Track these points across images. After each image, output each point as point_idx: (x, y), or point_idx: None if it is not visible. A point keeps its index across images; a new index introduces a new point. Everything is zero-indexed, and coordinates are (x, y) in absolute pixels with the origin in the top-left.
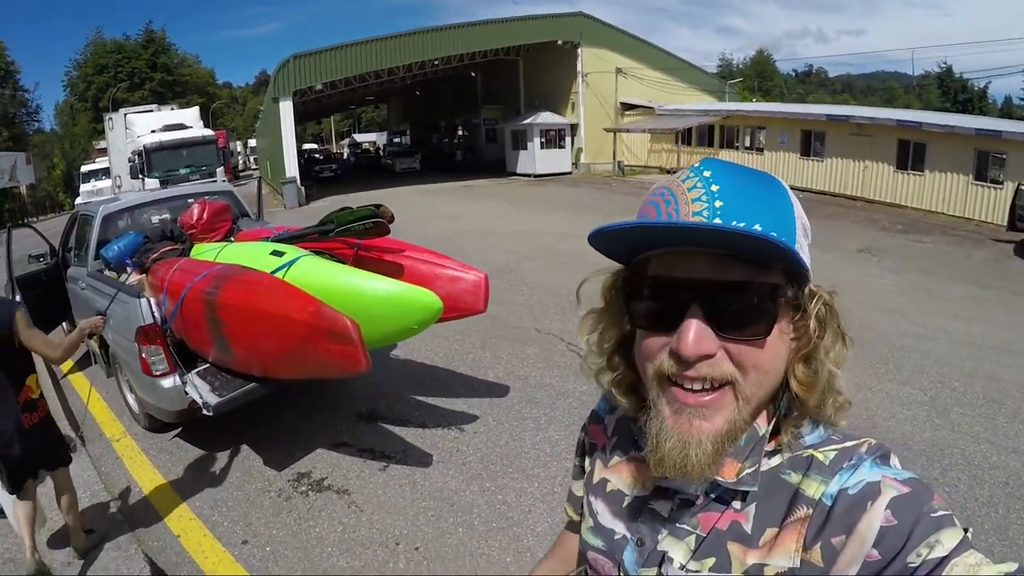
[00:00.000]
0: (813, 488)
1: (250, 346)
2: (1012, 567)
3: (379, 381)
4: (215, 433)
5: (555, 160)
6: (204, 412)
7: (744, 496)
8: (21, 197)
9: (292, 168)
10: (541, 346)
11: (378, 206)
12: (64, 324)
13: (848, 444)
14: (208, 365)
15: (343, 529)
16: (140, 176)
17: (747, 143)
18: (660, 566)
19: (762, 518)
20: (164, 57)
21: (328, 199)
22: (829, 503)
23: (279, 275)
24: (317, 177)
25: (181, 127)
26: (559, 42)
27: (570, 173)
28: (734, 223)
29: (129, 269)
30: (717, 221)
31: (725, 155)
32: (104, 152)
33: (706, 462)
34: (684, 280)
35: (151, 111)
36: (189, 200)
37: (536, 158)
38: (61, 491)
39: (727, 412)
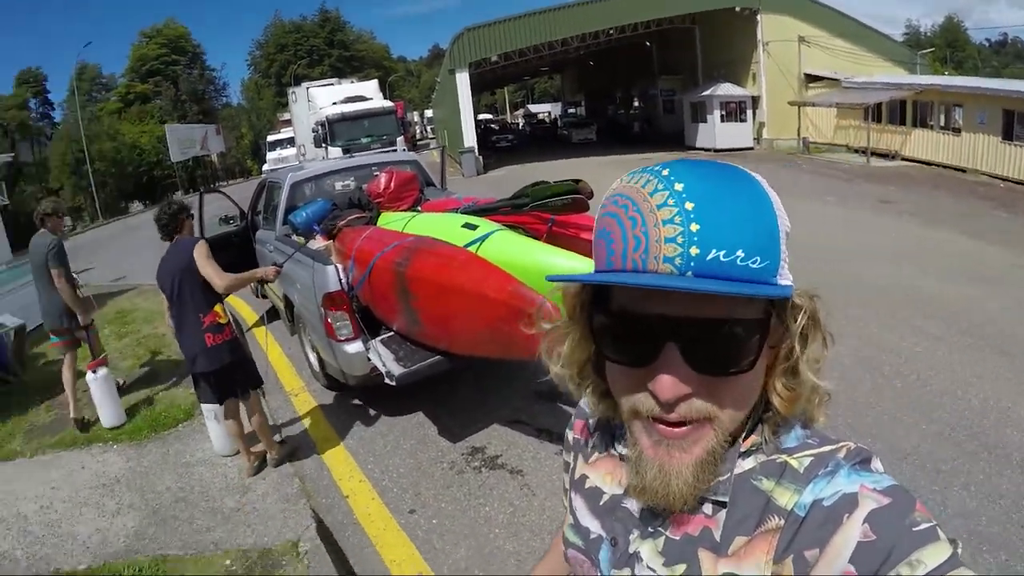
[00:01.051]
0: (786, 498)
1: (440, 321)
2: None
3: None
4: (392, 398)
5: (736, 134)
6: (387, 381)
7: (716, 501)
8: (212, 164)
9: (470, 138)
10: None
11: (577, 181)
12: (251, 284)
13: (825, 449)
14: (392, 334)
15: (513, 512)
16: (323, 145)
17: (942, 122)
18: (632, 567)
19: (732, 526)
20: (340, 35)
21: (505, 168)
22: (802, 514)
23: (472, 249)
24: (494, 147)
25: (361, 99)
26: (736, 8)
27: (751, 148)
28: (713, 252)
29: (316, 234)
30: (694, 252)
31: (919, 135)
32: (288, 123)
33: (688, 492)
34: (659, 316)
35: (332, 84)
36: (374, 169)
37: (716, 131)
38: (252, 411)
39: (705, 442)
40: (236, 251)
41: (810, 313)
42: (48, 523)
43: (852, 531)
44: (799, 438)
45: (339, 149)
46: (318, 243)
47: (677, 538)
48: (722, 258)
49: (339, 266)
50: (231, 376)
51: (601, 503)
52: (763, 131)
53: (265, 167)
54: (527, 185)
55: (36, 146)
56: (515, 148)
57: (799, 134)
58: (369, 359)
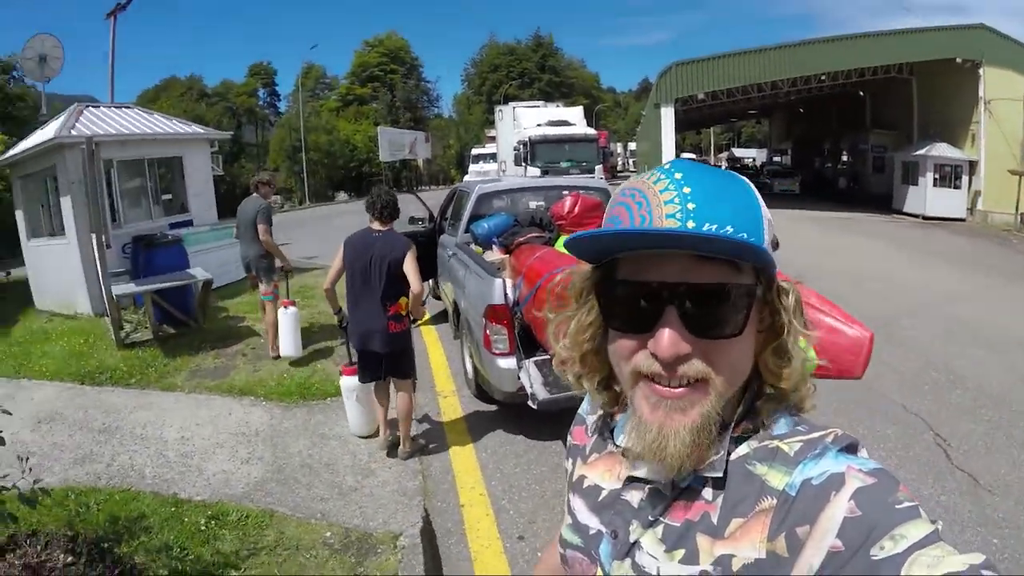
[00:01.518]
0: (777, 479)
1: None
2: (978, 558)
3: None
4: (538, 422)
5: (948, 201)
6: (530, 403)
7: (714, 484)
8: (417, 168)
9: None
10: (903, 428)
11: None
12: (429, 282)
13: (814, 435)
14: (547, 358)
15: None
16: (523, 164)
17: None
18: (632, 556)
19: (729, 509)
20: (552, 60)
21: None
22: (793, 493)
23: None
24: None
25: (565, 123)
26: (958, 59)
27: (963, 219)
28: (707, 226)
29: (494, 247)
30: (691, 225)
31: None
32: (494, 139)
33: (685, 452)
34: (659, 283)
35: (538, 106)
36: (564, 192)
37: (927, 197)
38: (401, 399)
39: (702, 406)
40: (419, 251)
41: (795, 296)
42: (183, 453)
43: (839, 507)
44: (789, 425)
45: (538, 170)
46: (494, 255)
47: (677, 524)
48: (715, 231)
49: (507, 280)
50: (396, 362)
51: (600, 499)
52: (978, 201)
53: (466, 177)
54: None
55: (260, 130)
56: None
57: (1018, 208)
58: (519, 378)
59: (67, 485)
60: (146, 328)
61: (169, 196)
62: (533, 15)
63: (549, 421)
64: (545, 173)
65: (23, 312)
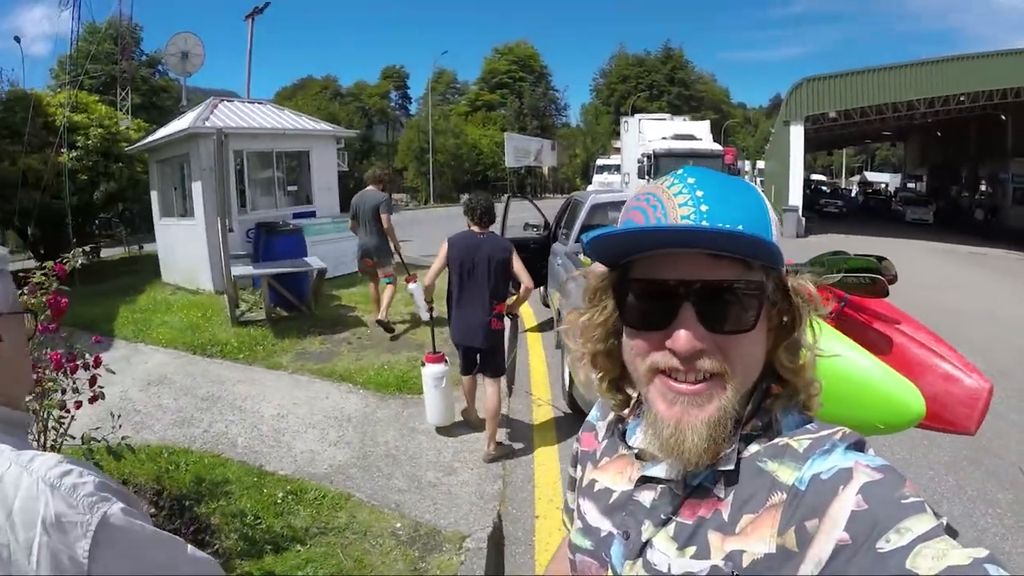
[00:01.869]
0: (787, 474)
1: None
2: (982, 552)
3: None
4: None
5: None
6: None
7: (726, 480)
8: (542, 176)
9: (796, 196)
10: (1018, 496)
11: (881, 259)
12: (541, 288)
13: (823, 433)
14: None
15: None
16: (646, 177)
17: None
18: (644, 555)
19: (740, 505)
20: (681, 73)
21: (827, 236)
22: (803, 487)
23: None
24: (820, 211)
25: (691, 138)
26: None
27: None
28: (720, 225)
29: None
30: (705, 223)
31: None
32: (619, 151)
33: (702, 447)
34: (676, 281)
35: (663, 119)
36: None
37: None
38: (491, 398)
39: (718, 400)
40: (531, 257)
41: (806, 291)
42: (276, 429)
43: (847, 501)
44: (797, 423)
45: None
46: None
47: (689, 522)
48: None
49: None
50: (492, 358)
51: (611, 501)
52: None
53: (589, 187)
54: (825, 252)
55: (390, 130)
56: (843, 216)
57: None
58: None
59: (163, 444)
60: (260, 309)
61: (295, 187)
62: (663, 27)
63: None
64: None
65: (150, 284)
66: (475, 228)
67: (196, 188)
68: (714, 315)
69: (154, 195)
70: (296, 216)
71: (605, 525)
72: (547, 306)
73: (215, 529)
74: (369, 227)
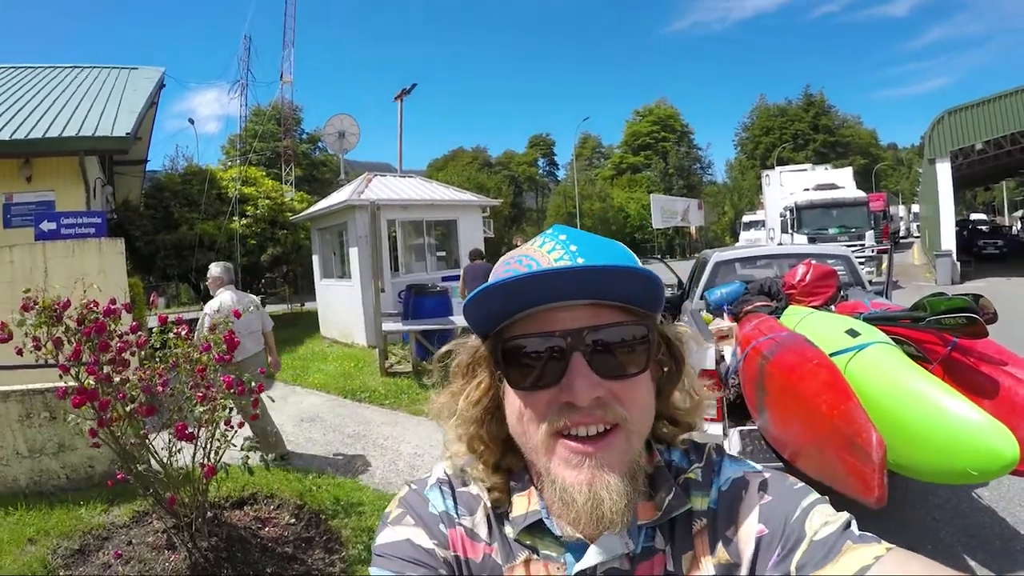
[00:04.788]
0: (700, 502)
1: (779, 424)
2: (847, 514)
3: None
4: None
5: None
6: None
7: (660, 529)
8: (691, 235)
9: (948, 239)
10: None
11: (977, 297)
12: None
13: (703, 457)
14: (754, 428)
15: None
16: (789, 231)
17: None
18: None
19: (679, 548)
20: (824, 119)
21: (985, 280)
22: (716, 507)
23: (842, 358)
24: (978, 253)
25: (832, 187)
26: None
27: None
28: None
29: (725, 315)
30: (580, 260)
31: None
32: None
33: (621, 504)
34: (562, 331)
35: (804, 170)
36: (809, 260)
37: None
38: None
39: (622, 451)
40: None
41: (684, 339)
42: (411, 464)
43: (752, 500)
44: (679, 458)
45: (804, 237)
46: (723, 323)
47: None
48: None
49: (720, 347)
50: None
51: None
52: None
53: (737, 246)
54: (927, 295)
55: (539, 197)
56: (1005, 257)
57: None
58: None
59: (308, 468)
60: (407, 361)
61: (443, 253)
62: (801, 73)
63: None
64: (812, 241)
65: (310, 337)
66: None
67: (353, 253)
68: (605, 362)
69: (315, 259)
70: (444, 279)
71: None
72: None
73: (344, 540)
74: None
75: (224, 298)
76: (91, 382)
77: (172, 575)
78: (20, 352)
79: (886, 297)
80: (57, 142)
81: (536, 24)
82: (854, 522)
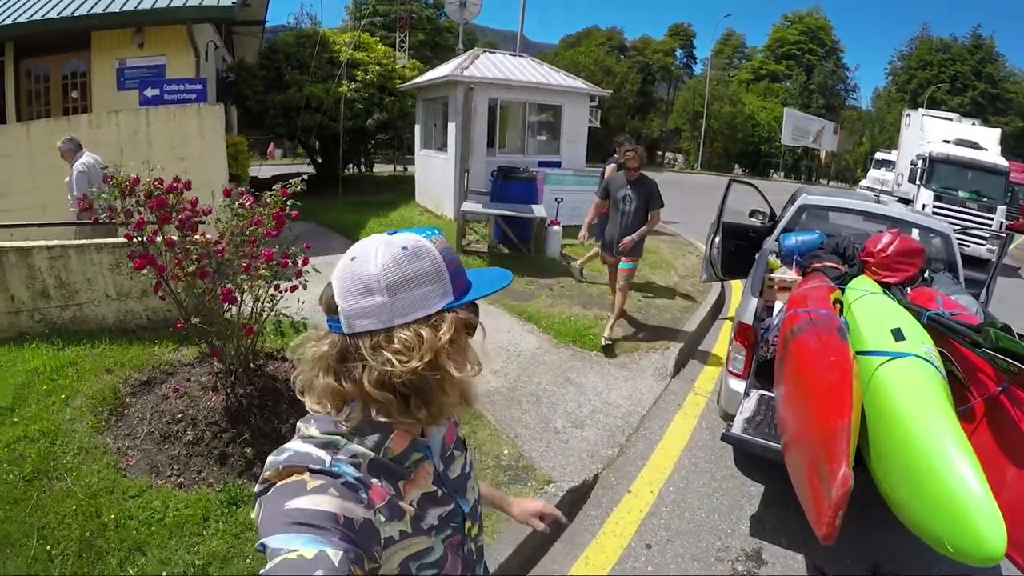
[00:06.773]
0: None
1: (784, 408)
2: None
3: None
4: (763, 461)
5: None
6: (724, 431)
7: None
8: (819, 159)
9: None
10: None
11: None
12: (742, 280)
13: None
14: (773, 396)
15: None
16: (917, 182)
17: None
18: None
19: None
20: (990, 67)
21: None
22: None
23: (872, 360)
24: None
25: (975, 146)
26: None
27: None
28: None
29: (794, 264)
30: None
31: None
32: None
33: None
34: None
35: (949, 120)
36: (905, 227)
37: None
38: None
39: None
40: (746, 244)
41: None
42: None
43: None
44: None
45: (931, 194)
46: (789, 274)
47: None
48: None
49: (767, 302)
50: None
51: (440, 495)
52: None
53: (863, 183)
54: (999, 323)
55: (672, 89)
56: None
57: None
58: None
59: None
60: (485, 241)
61: (544, 138)
62: (975, 10)
63: (774, 469)
64: (938, 199)
65: (405, 203)
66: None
67: (451, 128)
68: None
69: (417, 128)
70: (541, 164)
71: (447, 508)
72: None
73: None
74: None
75: (86, 159)
76: (151, 247)
77: (209, 412)
78: (96, 221)
79: (987, 289)
80: (166, 12)
81: None
82: None
